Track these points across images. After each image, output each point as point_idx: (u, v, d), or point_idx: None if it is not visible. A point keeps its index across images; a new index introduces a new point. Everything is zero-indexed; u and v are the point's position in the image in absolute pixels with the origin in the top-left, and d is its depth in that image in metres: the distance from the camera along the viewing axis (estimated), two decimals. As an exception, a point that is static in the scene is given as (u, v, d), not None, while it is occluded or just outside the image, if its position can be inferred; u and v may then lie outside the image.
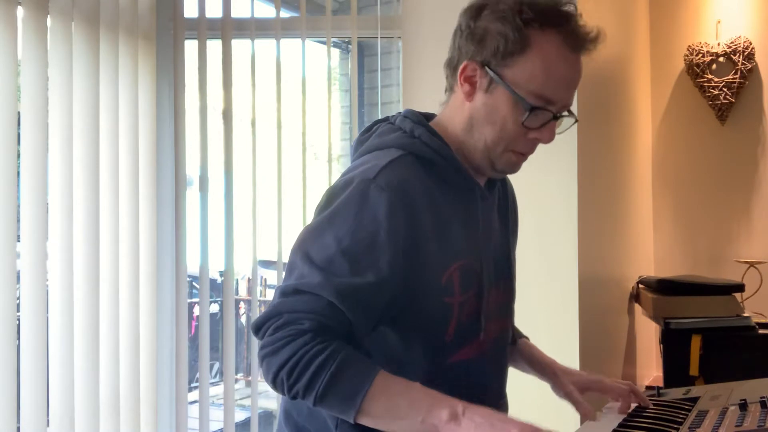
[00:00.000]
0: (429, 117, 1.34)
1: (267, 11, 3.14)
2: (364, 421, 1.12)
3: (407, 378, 1.15)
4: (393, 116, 1.35)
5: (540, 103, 1.22)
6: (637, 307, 3.25)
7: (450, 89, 1.31)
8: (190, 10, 2.68)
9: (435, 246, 1.21)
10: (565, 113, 1.28)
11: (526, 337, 1.58)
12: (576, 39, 1.27)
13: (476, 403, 1.13)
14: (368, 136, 1.33)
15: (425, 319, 1.22)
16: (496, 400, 1.38)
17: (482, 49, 1.23)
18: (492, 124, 1.25)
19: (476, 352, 1.29)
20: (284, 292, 1.16)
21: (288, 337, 1.11)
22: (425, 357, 1.23)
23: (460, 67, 1.25)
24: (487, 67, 1.23)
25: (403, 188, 1.19)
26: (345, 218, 1.17)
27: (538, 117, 1.23)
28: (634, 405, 1.46)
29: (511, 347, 1.51)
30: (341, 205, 1.18)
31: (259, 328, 1.16)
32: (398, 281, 1.18)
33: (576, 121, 1.31)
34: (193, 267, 2.75)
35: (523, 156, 1.29)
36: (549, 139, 1.26)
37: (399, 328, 1.23)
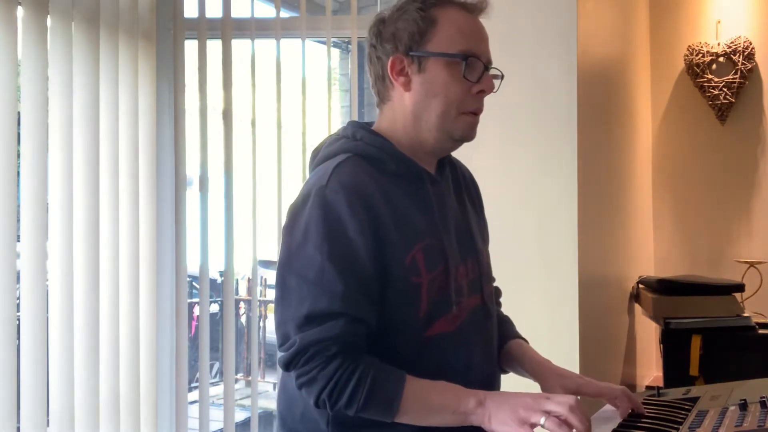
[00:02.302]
0: (372, 125, 1.44)
1: (267, 11, 3.14)
2: (402, 420, 1.26)
3: (388, 354, 1.28)
4: (339, 129, 1.46)
5: (470, 55, 1.34)
6: (637, 307, 3.25)
7: (383, 101, 1.41)
8: (190, 10, 2.68)
9: (394, 231, 1.30)
10: (493, 70, 1.39)
11: (524, 339, 1.58)
12: (470, 5, 1.39)
13: (462, 376, 1.30)
14: (318, 151, 1.43)
15: (395, 299, 1.30)
16: (484, 373, 1.41)
17: (399, 42, 1.36)
18: (435, 96, 1.35)
19: (452, 326, 1.36)
20: (299, 325, 1.25)
21: (320, 364, 1.24)
22: (401, 333, 1.32)
23: (388, 66, 1.36)
24: (410, 53, 1.35)
25: (354, 184, 1.29)
26: (316, 227, 1.27)
27: (474, 68, 1.35)
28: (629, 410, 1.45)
29: (503, 349, 1.53)
30: (308, 219, 1.28)
31: (288, 364, 1.27)
32: (376, 266, 1.28)
33: (503, 76, 1.40)
34: (193, 267, 2.75)
35: (475, 116, 1.38)
36: (490, 88, 1.37)
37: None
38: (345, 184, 1.28)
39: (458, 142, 1.40)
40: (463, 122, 1.37)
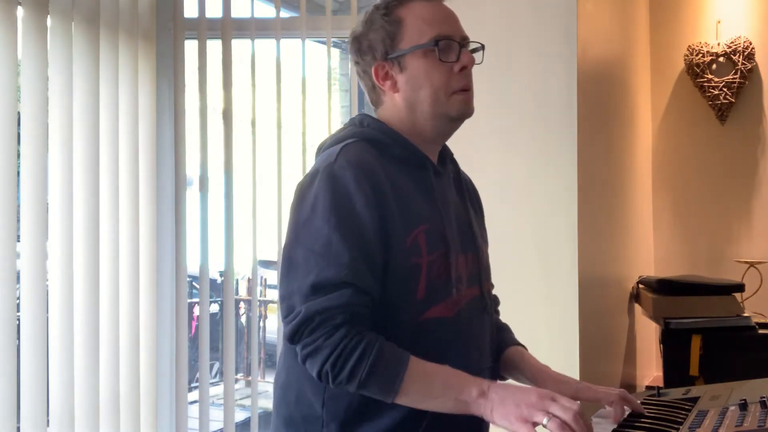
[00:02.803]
0: None
1: (267, 11, 3.14)
2: (402, 401, 1.26)
3: (386, 334, 1.28)
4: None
5: (440, 38, 1.38)
6: (637, 307, 3.25)
7: (377, 107, 1.47)
8: (190, 10, 2.68)
9: (397, 212, 1.32)
10: (471, 44, 1.43)
11: (523, 346, 1.59)
12: None
13: (461, 365, 1.29)
14: (325, 142, 1.47)
15: (395, 279, 1.31)
16: (479, 367, 1.42)
17: (376, 51, 1.42)
18: (422, 87, 1.39)
19: (450, 311, 1.37)
20: (305, 294, 1.26)
21: (325, 334, 1.24)
22: (398, 315, 1.32)
23: (373, 75, 1.42)
24: (388, 57, 1.40)
25: (362, 162, 1.33)
26: (324, 202, 1.29)
27: (448, 49, 1.39)
28: (627, 412, 1.45)
29: (503, 356, 1.54)
30: (316, 193, 1.30)
31: (293, 335, 1.26)
32: (381, 242, 1.30)
33: (483, 46, 1.44)
34: (193, 267, 2.75)
35: (467, 92, 1.41)
36: (471, 61, 1.40)
37: None
38: (352, 161, 1.31)
39: (457, 121, 1.43)
40: (456, 101, 1.40)
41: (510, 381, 1.54)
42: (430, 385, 1.26)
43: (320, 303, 1.24)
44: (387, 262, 1.30)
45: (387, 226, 1.30)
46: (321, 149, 1.46)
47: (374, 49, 1.41)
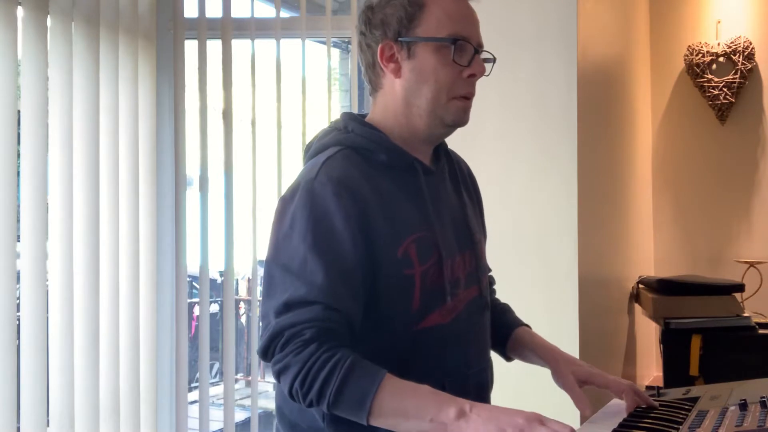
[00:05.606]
0: (366, 115, 1.43)
1: (267, 11, 3.14)
2: (376, 423, 1.17)
3: (381, 348, 1.25)
4: (333, 121, 1.46)
5: (459, 38, 1.32)
6: (637, 307, 3.25)
7: (375, 89, 1.39)
8: (190, 10, 2.68)
9: (384, 224, 1.28)
10: (485, 53, 1.37)
11: (527, 325, 1.59)
12: None
13: (459, 369, 1.28)
14: (312, 144, 1.42)
15: (388, 292, 1.28)
16: (479, 367, 1.42)
17: (388, 29, 1.34)
18: (426, 81, 1.33)
19: (446, 318, 1.34)
20: (277, 312, 1.22)
21: (295, 350, 1.19)
22: (394, 326, 1.29)
23: (378, 53, 1.34)
24: (399, 39, 1.33)
25: (343, 177, 1.28)
26: (302, 220, 1.25)
27: (463, 52, 1.33)
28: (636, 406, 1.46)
29: (512, 337, 1.55)
30: (296, 211, 1.27)
31: (265, 351, 1.23)
32: (364, 259, 1.25)
33: (495, 59, 1.39)
34: (193, 267, 2.75)
35: (467, 100, 1.36)
36: (481, 71, 1.35)
37: (366, 302, 1.28)
38: (333, 177, 1.27)
39: (451, 127, 1.38)
40: (455, 107, 1.34)
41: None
42: (404, 405, 1.15)
43: (289, 318, 1.20)
44: (377, 277, 1.27)
45: (373, 241, 1.26)
46: (308, 151, 1.42)
47: (387, 25, 1.33)
